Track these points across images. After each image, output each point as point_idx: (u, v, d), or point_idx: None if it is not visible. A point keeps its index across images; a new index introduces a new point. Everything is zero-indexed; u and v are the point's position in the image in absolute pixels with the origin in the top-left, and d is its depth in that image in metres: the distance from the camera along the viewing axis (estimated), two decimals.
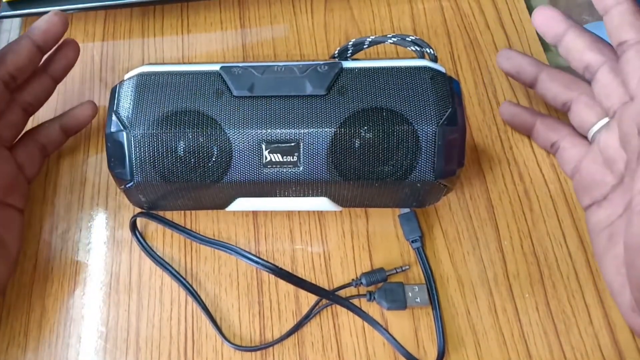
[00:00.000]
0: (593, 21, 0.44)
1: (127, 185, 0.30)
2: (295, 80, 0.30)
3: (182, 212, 0.37)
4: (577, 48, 0.32)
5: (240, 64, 0.31)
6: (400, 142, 0.29)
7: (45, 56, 0.35)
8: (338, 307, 0.34)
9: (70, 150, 0.39)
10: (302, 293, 0.34)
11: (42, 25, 0.34)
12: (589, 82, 0.32)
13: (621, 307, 0.29)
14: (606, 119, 0.32)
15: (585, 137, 0.34)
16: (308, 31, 0.43)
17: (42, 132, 0.36)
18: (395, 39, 0.34)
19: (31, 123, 0.37)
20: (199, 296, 0.34)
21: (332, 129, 0.29)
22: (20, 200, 0.34)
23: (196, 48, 0.43)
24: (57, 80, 0.37)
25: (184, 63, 0.38)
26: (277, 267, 0.31)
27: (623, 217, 0.29)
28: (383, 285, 0.34)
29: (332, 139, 0.29)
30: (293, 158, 0.29)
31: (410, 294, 0.33)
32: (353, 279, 0.34)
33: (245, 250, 0.32)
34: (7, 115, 0.34)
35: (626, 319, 0.29)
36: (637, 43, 0.28)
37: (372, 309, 0.34)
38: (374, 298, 0.33)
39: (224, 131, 0.29)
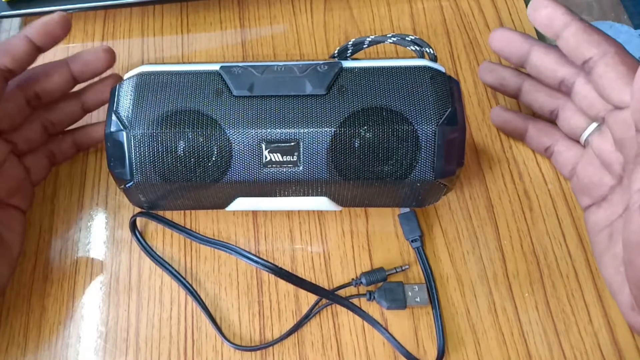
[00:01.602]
0: (592, 21, 0.44)
1: (126, 185, 0.30)
2: (295, 80, 0.30)
3: (182, 211, 0.37)
4: (546, 66, 0.32)
5: (240, 64, 0.31)
6: (400, 142, 0.29)
7: (86, 83, 0.35)
8: (338, 306, 0.34)
9: None
10: (302, 293, 0.34)
11: (86, 57, 0.34)
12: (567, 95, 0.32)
13: (621, 306, 0.29)
14: (596, 124, 0.32)
15: (577, 141, 0.34)
16: (308, 31, 0.43)
17: (55, 142, 0.36)
18: (394, 39, 0.34)
19: None
20: (199, 296, 0.34)
21: (332, 128, 0.29)
22: (23, 203, 0.34)
23: (196, 48, 0.43)
24: (87, 110, 0.36)
25: (183, 63, 0.38)
26: (276, 266, 0.31)
27: (623, 216, 0.29)
28: (383, 284, 0.34)
29: (332, 138, 0.29)
30: (293, 158, 0.29)
31: (410, 294, 0.33)
32: (353, 279, 0.34)
33: (245, 250, 0.32)
34: (25, 127, 0.34)
35: (626, 317, 0.29)
36: (601, 57, 0.28)
37: (372, 308, 0.34)
38: (374, 297, 0.33)
39: (223, 131, 0.29)
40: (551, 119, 0.35)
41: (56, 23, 0.32)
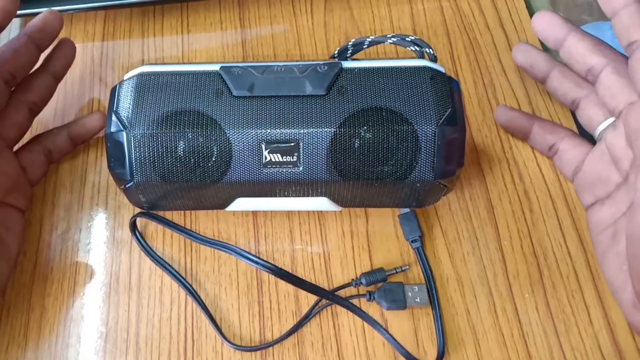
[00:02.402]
0: (592, 21, 0.44)
1: (127, 185, 0.30)
2: (295, 80, 0.30)
3: (182, 212, 0.37)
4: (579, 51, 0.32)
5: (240, 64, 0.31)
6: (400, 142, 0.29)
7: (43, 55, 0.36)
8: (338, 307, 0.34)
9: None
10: (302, 293, 0.34)
11: (38, 24, 0.34)
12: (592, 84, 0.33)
13: (622, 305, 0.29)
14: (613, 118, 0.32)
15: (583, 138, 0.34)
16: (308, 31, 0.43)
17: (50, 137, 0.37)
18: (395, 39, 0.34)
19: (36, 124, 0.38)
20: (199, 296, 0.34)
21: (332, 129, 0.29)
22: (21, 201, 0.34)
23: (196, 48, 0.43)
24: (58, 78, 0.37)
25: (183, 63, 0.38)
26: (276, 267, 0.31)
27: (627, 213, 0.29)
28: (383, 285, 0.34)
29: (331, 139, 0.29)
30: (293, 158, 0.29)
31: (410, 294, 0.33)
32: (353, 279, 0.34)
33: (245, 251, 0.32)
34: (13, 116, 0.34)
35: (627, 316, 0.29)
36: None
37: (372, 309, 0.34)
38: (374, 298, 0.33)
39: (223, 131, 0.29)
40: (571, 109, 0.35)
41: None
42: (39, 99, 0.36)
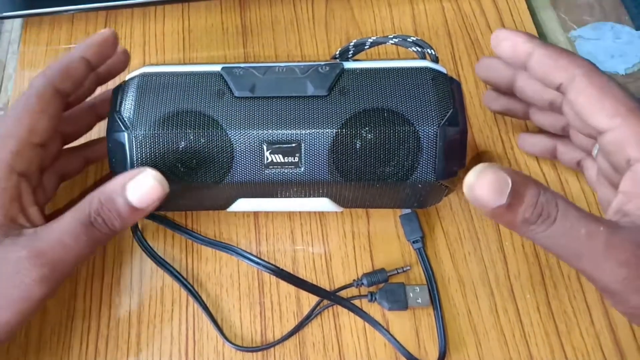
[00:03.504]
0: (593, 22, 0.44)
1: None
2: (296, 81, 0.30)
3: (183, 212, 0.37)
4: (534, 89, 0.31)
5: (242, 65, 0.31)
6: (402, 143, 0.29)
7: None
8: (339, 307, 0.34)
9: None
10: (303, 294, 0.34)
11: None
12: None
13: None
14: None
15: None
16: (309, 32, 0.43)
17: (66, 161, 0.35)
18: (396, 40, 0.34)
19: None
20: (200, 297, 0.34)
21: (334, 129, 0.29)
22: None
23: (197, 49, 0.43)
24: (101, 118, 0.36)
25: (185, 64, 0.38)
26: (278, 267, 0.31)
27: None
28: (384, 285, 0.34)
29: (333, 139, 0.29)
30: (294, 159, 0.29)
31: (411, 295, 0.33)
32: (354, 280, 0.34)
33: (246, 251, 0.32)
34: (51, 145, 0.32)
35: None
36: (570, 82, 0.27)
37: (373, 309, 0.34)
38: (375, 299, 0.33)
39: (225, 132, 0.29)
40: (565, 135, 0.34)
41: (111, 43, 0.32)
42: (73, 131, 0.34)
